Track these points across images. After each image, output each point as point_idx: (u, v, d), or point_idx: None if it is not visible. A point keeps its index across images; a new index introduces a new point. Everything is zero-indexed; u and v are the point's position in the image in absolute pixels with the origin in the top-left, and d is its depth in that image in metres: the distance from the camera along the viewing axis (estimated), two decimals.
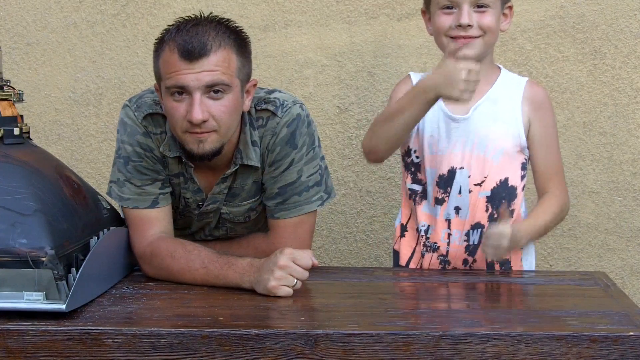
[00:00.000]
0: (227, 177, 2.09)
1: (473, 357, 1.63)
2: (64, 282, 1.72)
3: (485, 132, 2.15)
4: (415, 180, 2.22)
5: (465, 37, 2.07)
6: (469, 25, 2.06)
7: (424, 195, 2.21)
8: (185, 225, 2.22)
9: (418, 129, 2.18)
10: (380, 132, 2.09)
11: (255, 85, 2.05)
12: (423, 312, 1.86)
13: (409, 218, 2.26)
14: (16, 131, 1.94)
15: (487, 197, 2.16)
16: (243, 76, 2.00)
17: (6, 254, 1.72)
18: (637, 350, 1.63)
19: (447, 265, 2.21)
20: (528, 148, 2.19)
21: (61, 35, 3.00)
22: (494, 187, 2.16)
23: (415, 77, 2.20)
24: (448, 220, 2.18)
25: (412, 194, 2.23)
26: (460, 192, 2.16)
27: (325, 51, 2.95)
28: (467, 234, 2.18)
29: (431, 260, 2.22)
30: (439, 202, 2.18)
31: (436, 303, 1.95)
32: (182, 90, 1.93)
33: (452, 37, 2.09)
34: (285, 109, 2.06)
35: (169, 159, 2.08)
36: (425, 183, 2.20)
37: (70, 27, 3.00)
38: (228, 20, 2.01)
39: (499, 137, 2.15)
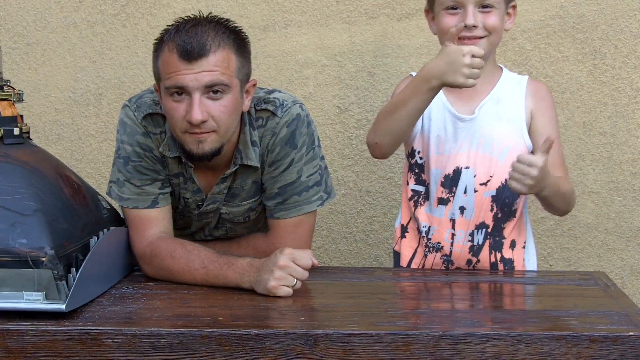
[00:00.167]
0: (227, 177, 2.09)
1: (473, 357, 1.63)
2: (64, 282, 1.72)
3: (491, 132, 2.15)
4: (419, 182, 2.22)
5: (470, 38, 2.06)
6: (474, 26, 2.06)
7: (426, 196, 2.21)
8: (185, 226, 2.22)
9: (423, 129, 2.18)
10: (384, 126, 2.09)
11: (254, 85, 2.05)
12: (423, 312, 1.86)
13: (409, 219, 2.26)
14: (16, 131, 1.94)
15: (493, 196, 2.17)
16: (242, 76, 2.00)
17: (6, 254, 1.72)
18: (637, 350, 1.63)
19: (450, 266, 2.21)
20: (532, 143, 2.18)
21: (61, 35, 3.00)
22: (499, 187, 2.16)
23: None
24: (452, 220, 2.18)
25: (415, 195, 2.23)
26: (465, 192, 2.16)
27: (325, 51, 2.95)
28: (472, 234, 2.18)
29: (434, 260, 2.22)
30: (443, 202, 2.18)
31: (436, 303, 1.95)
32: (182, 91, 1.93)
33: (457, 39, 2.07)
34: (285, 109, 2.06)
35: (168, 159, 2.08)
36: (429, 184, 2.20)
37: (70, 27, 3.00)
38: (227, 20, 2.01)
39: (504, 136, 2.15)
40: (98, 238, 1.93)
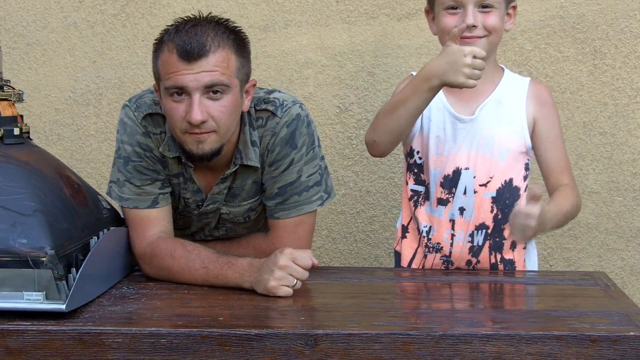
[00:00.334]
0: (227, 177, 2.09)
1: (473, 357, 1.63)
2: (64, 282, 1.72)
3: (491, 133, 2.15)
4: (418, 181, 2.22)
5: (470, 38, 2.06)
6: (474, 26, 2.06)
7: (426, 196, 2.21)
8: (185, 226, 2.22)
9: (422, 129, 2.18)
10: (383, 125, 2.09)
11: (254, 85, 2.05)
12: (423, 312, 1.86)
13: (410, 219, 2.26)
14: (16, 131, 1.94)
15: (493, 197, 2.16)
16: (242, 76, 1.99)
17: (6, 254, 1.72)
18: (637, 350, 1.63)
19: (450, 266, 2.21)
20: (534, 147, 2.19)
21: (61, 35, 3.00)
22: (500, 188, 2.16)
23: None
24: (452, 221, 2.18)
25: (414, 195, 2.23)
26: (465, 193, 2.16)
27: (325, 51, 2.95)
28: (471, 235, 2.18)
29: (434, 260, 2.22)
30: (442, 202, 2.18)
31: (436, 303, 1.95)
32: (181, 91, 1.93)
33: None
34: (284, 109, 2.06)
35: (168, 159, 2.08)
36: (428, 184, 2.20)
37: (70, 27, 3.00)
38: (227, 20, 2.01)
39: (505, 137, 2.15)
40: (98, 238, 1.93)
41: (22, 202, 1.78)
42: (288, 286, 1.87)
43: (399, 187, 2.96)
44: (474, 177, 2.16)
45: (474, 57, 1.96)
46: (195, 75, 1.91)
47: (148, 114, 2.07)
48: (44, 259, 1.72)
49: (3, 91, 1.96)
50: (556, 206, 2.08)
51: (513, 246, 2.21)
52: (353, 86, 2.96)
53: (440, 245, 2.20)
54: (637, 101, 2.92)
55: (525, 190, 2.20)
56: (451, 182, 2.17)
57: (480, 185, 2.16)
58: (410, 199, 2.24)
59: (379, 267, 2.93)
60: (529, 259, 2.25)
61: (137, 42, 2.98)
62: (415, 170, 2.22)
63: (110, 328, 1.66)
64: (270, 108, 2.06)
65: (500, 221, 2.18)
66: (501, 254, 2.20)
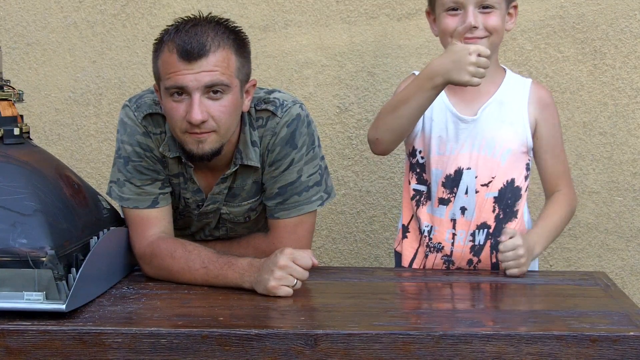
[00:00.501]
0: (227, 177, 2.09)
1: (473, 357, 1.63)
2: (64, 282, 1.72)
3: (493, 134, 2.15)
4: (421, 181, 2.22)
5: (471, 39, 2.06)
6: (475, 27, 2.06)
7: (428, 196, 2.21)
8: (185, 226, 2.22)
9: (424, 129, 2.18)
10: (386, 123, 2.08)
11: (254, 85, 2.05)
12: (423, 312, 1.86)
13: (411, 219, 2.26)
14: (16, 131, 1.94)
15: (495, 197, 2.17)
16: (242, 76, 1.99)
17: (6, 254, 1.72)
18: (637, 350, 1.63)
19: (451, 266, 2.21)
20: (534, 149, 2.19)
21: (61, 35, 3.00)
22: (501, 188, 2.17)
23: None
24: (453, 221, 2.18)
25: (416, 195, 2.23)
26: (466, 193, 2.16)
27: (325, 51, 2.95)
28: (473, 234, 2.18)
29: (435, 260, 2.22)
30: (444, 202, 2.18)
31: (436, 303, 1.95)
32: (182, 91, 1.93)
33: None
34: (285, 109, 2.06)
35: (168, 159, 2.08)
36: (430, 183, 2.20)
37: (70, 27, 3.00)
38: (227, 20, 2.01)
39: (507, 138, 2.16)
40: (98, 238, 1.93)
41: (22, 202, 1.78)
42: (288, 286, 1.87)
43: (399, 187, 2.96)
44: (476, 177, 2.16)
45: (479, 55, 1.96)
46: (196, 75, 1.91)
47: (148, 114, 2.07)
48: (44, 259, 1.72)
49: (3, 91, 1.96)
50: (544, 223, 2.16)
51: None
52: (353, 86, 2.96)
53: (442, 245, 2.20)
54: (637, 101, 2.92)
55: (526, 190, 2.21)
56: (453, 181, 2.17)
57: (482, 185, 2.16)
58: (412, 199, 2.24)
59: (379, 267, 2.93)
60: None
61: (137, 42, 2.98)
62: (418, 170, 2.22)
63: (110, 328, 1.66)
64: (271, 108, 2.06)
65: (502, 221, 2.18)
66: None
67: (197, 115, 1.91)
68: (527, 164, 2.20)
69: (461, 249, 2.19)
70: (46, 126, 3.03)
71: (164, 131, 2.07)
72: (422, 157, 2.20)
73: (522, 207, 2.21)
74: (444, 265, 2.22)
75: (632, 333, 1.65)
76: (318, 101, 2.97)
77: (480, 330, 1.66)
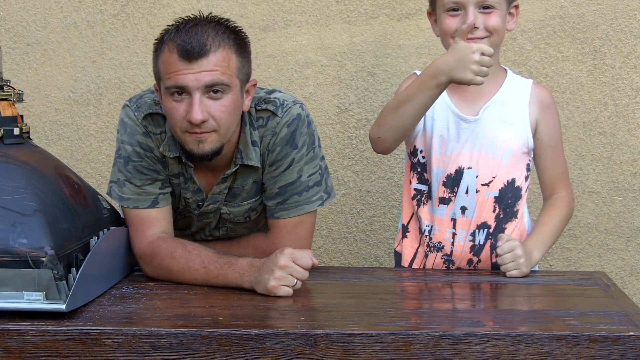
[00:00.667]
0: (227, 177, 2.09)
1: (473, 357, 1.63)
2: (64, 282, 1.72)
3: (494, 134, 2.15)
4: (422, 181, 2.22)
5: (472, 39, 2.06)
6: (475, 27, 2.06)
7: (429, 195, 2.21)
8: (186, 226, 2.22)
9: (425, 129, 2.18)
10: (389, 121, 2.08)
11: (255, 85, 2.05)
12: (423, 312, 1.86)
13: (410, 219, 2.26)
14: (16, 131, 1.94)
15: (495, 197, 2.17)
16: (243, 76, 1.99)
17: (6, 254, 1.72)
18: (637, 350, 1.63)
19: (451, 265, 2.21)
20: (534, 150, 2.20)
21: (61, 35, 3.00)
22: (502, 188, 2.17)
23: None
24: (454, 220, 2.18)
25: (417, 194, 2.23)
26: (467, 192, 2.16)
27: (325, 51, 2.95)
28: (473, 234, 2.18)
29: (435, 260, 2.22)
30: (444, 201, 2.18)
31: (436, 303, 1.95)
32: (182, 91, 1.93)
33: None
34: (285, 109, 2.06)
35: (168, 159, 2.08)
36: (431, 183, 2.20)
37: (70, 27, 3.00)
38: (227, 20, 2.01)
39: (508, 138, 2.16)
40: (98, 238, 1.93)
41: (22, 202, 1.78)
42: (288, 286, 1.87)
43: (399, 187, 2.96)
44: (477, 177, 2.16)
45: (482, 54, 1.97)
46: (196, 74, 1.91)
47: (148, 113, 2.07)
48: (44, 259, 1.72)
49: (3, 91, 1.96)
50: (541, 231, 2.16)
51: None
52: (353, 86, 2.96)
53: (442, 245, 2.20)
54: (637, 101, 2.92)
55: (526, 190, 2.21)
56: (453, 181, 2.17)
57: (483, 185, 2.16)
58: (413, 198, 2.24)
59: (379, 267, 2.93)
60: None
61: (137, 42, 2.98)
62: (419, 170, 2.22)
63: (110, 328, 1.66)
64: (271, 108, 2.06)
65: (502, 220, 2.18)
66: None
67: (197, 115, 1.91)
68: (528, 165, 2.21)
69: (461, 249, 2.19)
70: (46, 126, 3.03)
71: (164, 131, 2.07)
72: (424, 157, 2.20)
73: (522, 207, 2.21)
74: (444, 265, 2.22)
75: (632, 333, 1.65)
76: (318, 101, 2.97)
77: (480, 330, 1.66)
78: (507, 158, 2.16)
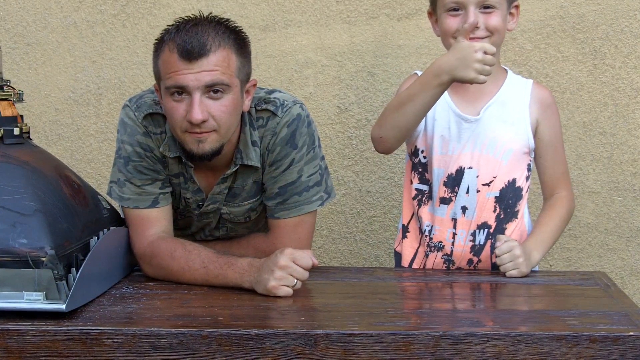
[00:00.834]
0: (227, 177, 2.09)
1: (473, 357, 1.63)
2: (64, 282, 1.72)
3: (495, 134, 2.15)
4: (423, 180, 2.22)
5: (472, 39, 2.06)
6: (476, 27, 2.06)
7: (430, 195, 2.21)
8: (186, 226, 2.22)
9: (427, 129, 2.18)
10: (391, 120, 2.08)
11: (255, 85, 2.05)
12: (423, 312, 1.86)
13: (411, 218, 2.26)
14: (16, 131, 1.94)
15: (496, 197, 2.17)
16: (243, 76, 1.99)
17: (6, 254, 1.72)
18: (637, 350, 1.63)
19: (451, 265, 2.21)
20: (535, 150, 2.20)
21: (61, 35, 3.00)
22: (503, 188, 2.17)
23: None
24: (454, 220, 2.18)
25: (419, 194, 2.23)
26: (467, 192, 2.17)
27: (325, 51, 2.95)
28: (473, 234, 2.18)
29: (435, 259, 2.22)
30: (445, 201, 2.18)
31: (436, 303, 1.95)
32: (182, 90, 1.93)
33: None
34: (285, 109, 2.06)
35: (168, 159, 2.08)
36: (431, 183, 2.20)
37: (70, 27, 3.00)
38: (227, 20, 2.01)
39: (509, 138, 2.16)
40: (98, 238, 1.93)
41: (22, 202, 1.78)
42: (288, 286, 1.87)
43: (399, 187, 2.96)
44: (477, 177, 2.16)
45: (485, 53, 1.97)
46: (196, 74, 1.91)
47: (148, 113, 2.07)
48: (44, 259, 1.72)
49: (3, 91, 1.96)
50: (541, 232, 2.17)
51: None
52: (353, 86, 2.96)
53: (442, 244, 2.20)
54: (637, 101, 2.92)
55: (527, 190, 2.21)
56: (454, 181, 2.17)
57: (483, 185, 2.16)
58: (414, 198, 2.24)
59: (379, 267, 2.93)
60: None
61: (137, 42, 2.98)
62: (420, 170, 2.22)
63: (110, 328, 1.66)
64: (271, 108, 2.06)
65: (502, 221, 2.18)
66: None
67: (197, 115, 1.91)
68: (529, 165, 2.21)
69: (461, 249, 2.19)
70: (46, 126, 3.03)
71: (164, 131, 2.07)
72: (425, 157, 2.20)
73: (523, 207, 2.21)
74: (444, 265, 2.22)
75: (632, 333, 1.65)
76: (318, 101, 2.97)
77: (480, 330, 1.66)
78: (508, 158, 2.16)
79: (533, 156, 2.22)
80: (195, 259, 1.98)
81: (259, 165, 2.07)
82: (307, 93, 2.96)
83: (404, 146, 2.25)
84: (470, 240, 2.19)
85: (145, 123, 2.06)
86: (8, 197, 1.78)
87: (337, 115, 2.98)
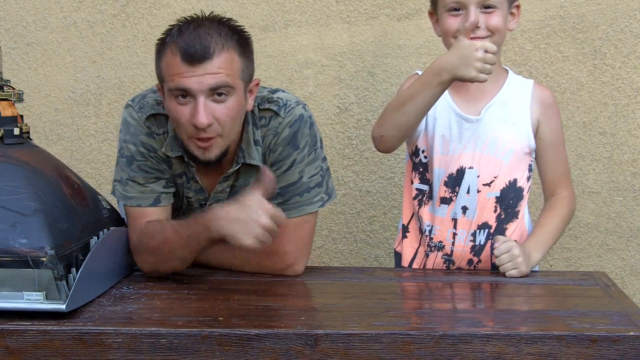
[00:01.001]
0: (229, 176, 2.09)
1: (473, 357, 1.63)
2: (64, 282, 1.72)
3: (496, 134, 2.15)
4: (423, 180, 2.22)
5: (473, 39, 2.06)
6: (477, 27, 2.06)
7: (430, 195, 2.21)
8: None
9: (427, 129, 2.18)
10: (391, 119, 2.08)
11: (257, 84, 2.05)
12: (423, 312, 1.86)
13: (411, 218, 2.26)
14: (16, 131, 1.94)
15: (497, 197, 2.17)
16: (246, 77, 1.99)
17: (6, 254, 1.72)
18: (637, 350, 1.63)
19: (451, 265, 2.21)
20: (536, 150, 2.20)
21: (61, 35, 3.00)
22: (504, 188, 2.17)
23: None
24: (454, 220, 2.18)
25: (419, 194, 2.23)
26: (468, 192, 2.17)
27: (325, 51, 2.95)
28: (474, 234, 2.18)
29: (435, 259, 2.22)
30: (445, 201, 2.18)
31: (436, 303, 1.95)
32: (186, 93, 1.93)
33: None
34: (288, 110, 2.06)
35: (171, 158, 2.08)
36: (432, 183, 2.20)
37: (70, 27, 3.00)
38: (229, 19, 2.01)
39: (510, 138, 2.16)
40: (98, 238, 1.93)
41: (22, 202, 1.78)
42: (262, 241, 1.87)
43: (399, 187, 2.96)
44: (478, 177, 2.16)
45: (485, 51, 1.97)
46: (200, 77, 1.91)
47: (151, 114, 2.06)
48: (44, 259, 1.72)
49: (3, 91, 1.96)
50: (541, 232, 2.17)
51: None
52: (353, 86, 2.96)
53: (442, 244, 2.20)
54: (637, 101, 2.92)
55: (528, 191, 2.21)
56: (455, 181, 2.17)
57: (484, 185, 2.16)
58: (415, 198, 2.24)
59: (379, 267, 2.93)
60: None
61: (137, 42, 2.98)
62: (421, 169, 2.22)
63: (110, 328, 1.66)
64: (274, 108, 2.06)
65: (503, 221, 2.18)
66: None
67: (203, 119, 1.91)
68: (530, 165, 2.21)
69: (461, 249, 2.19)
70: (46, 126, 3.03)
71: (166, 131, 2.07)
72: (425, 157, 2.20)
73: (524, 208, 2.21)
74: (444, 265, 2.22)
75: (632, 333, 1.65)
76: (318, 101, 2.97)
77: (480, 330, 1.66)
78: (509, 158, 2.16)
79: (534, 156, 2.22)
80: (168, 228, 1.99)
81: (260, 164, 2.07)
82: (307, 93, 2.96)
83: (404, 146, 2.25)
84: (471, 241, 2.19)
85: (148, 124, 2.06)
86: (8, 197, 1.78)
87: (337, 115, 2.98)
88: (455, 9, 2.09)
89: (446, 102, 2.16)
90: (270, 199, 2.07)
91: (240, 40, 1.98)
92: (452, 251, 2.20)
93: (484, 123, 2.16)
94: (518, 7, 2.18)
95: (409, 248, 2.26)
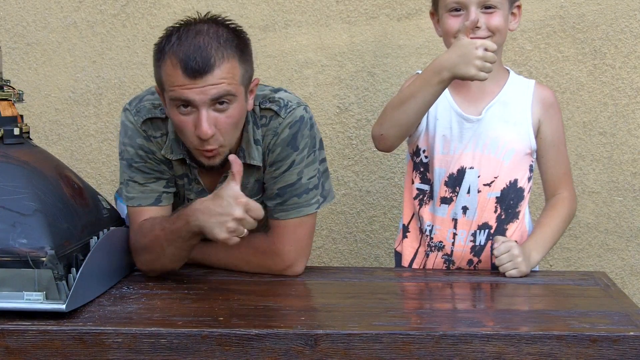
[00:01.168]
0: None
1: (473, 357, 1.63)
2: (64, 282, 1.72)
3: (497, 134, 2.15)
4: (424, 180, 2.22)
5: (474, 39, 2.06)
6: (477, 27, 2.06)
7: (431, 195, 2.21)
8: None
9: (428, 128, 2.18)
10: (392, 118, 2.08)
11: (257, 84, 2.05)
12: (423, 312, 1.86)
13: (411, 218, 2.26)
14: (16, 131, 1.94)
15: (497, 197, 2.17)
16: (246, 80, 1.98)
17: (6, 254, 1.72)
18: (637, 350, 1.63)
19: (451, 265, 2.21)
20: (537, 149, 2.20)
21: (61, 35, 3.00)
22: (504, 188, 2.17)
23: None
24: (454, 220, 2.18)
25: (420, 194, 2.23)
26: (469, 192, 2.16)
27: (325, 51, 2.95)
28: (474, 234, 2.18)
29: (436, 259, 2.22)
30: (446, 201, 2.18)
31: (436, 303, 1.95)
32: (187, 104, 1.92)
33: None
34: (288, 110, 2.06)
35: (172, 161, 2.08)
36: (433, 182, 2.20)
37: (70, 27, 3.00)
38: (226, 20, 1.99)
39: (510, 138, 2.16)
40: (98, 238, 1.93)
41: (22, 202, 1.78)
42: (238, 236, 1.86)
43: (399, 187, 2.96)
44: (479, 177, 2.16)
45: (485, 49, 1.97)
46: (202, 89, 1.89)
47: (147, 118, 2.06)
48: (44, 259, 1.72)
49: (3, 91, 1.96)
50: (541, 232, 2.16)
51: None
52: (353, 86, 2.96)
53: (442, 244, 2.20)
54: (637, 101, 2.92)
55: (529, 191, 2.21)
56: (455, 181, 2.17)
57: (485, 185, 2.16)
58: (415, 198, 2.24)
59: (379, 267, 2.93)
60: None
61: (137, 42, 2.98)
62: (422, 169, 2.22)
63: (110, 328, 1.66)
64: (275, 108, 2.06)
65: (503, 221, 2.18)
66: None
67: (206, 131, 1.90)
68: (531, 166, 2.21)
69: (462, 249, 2.19)
70: (46, 126, 3.03)
71: (164, 133, 2.06)
72: (426, 157, 2.20)
73: (524, 208, 2.21)
74: (444, 265, 2.22)
75: (632, 333, 1.65)
76: (318, 101, 2.97)
77: (480, 330, 1.66)
78: (510, 158, 2.16)
79: (535, 157, 2.22)
80: (156, 226, 1.99)
81: (260, 164, 2.07)
82: (307, 93, 2.96)
83: (404, 146, 2.25)
84: (471, 241, 2.19)
85: (145, 127, 2.06)
86: (8, 197, 1.78)
87: (337, 115, 2.98)
88: (456, 9, 2.09)
89: (447, 102, 2.16)
90: (264, 197, 2.08)
91: (240, 45, 1.97)
92: (452, 251, 2.20)
93: (485, 123, 2.16)
94: (519, 7, 2.18)
95: (409, 248, 2.26)
